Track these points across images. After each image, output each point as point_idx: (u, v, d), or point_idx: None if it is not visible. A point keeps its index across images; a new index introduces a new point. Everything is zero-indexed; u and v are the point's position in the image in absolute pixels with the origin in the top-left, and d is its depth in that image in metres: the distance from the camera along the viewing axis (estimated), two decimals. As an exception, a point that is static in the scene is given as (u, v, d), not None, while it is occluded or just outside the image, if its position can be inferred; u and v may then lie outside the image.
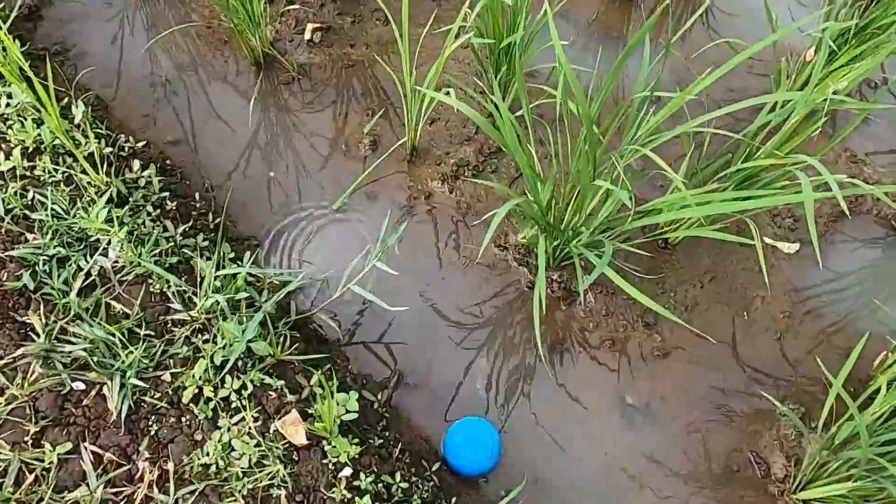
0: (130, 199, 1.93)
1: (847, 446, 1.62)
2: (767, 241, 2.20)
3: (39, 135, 1.95)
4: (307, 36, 2.53)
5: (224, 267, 1.81)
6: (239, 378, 1.62)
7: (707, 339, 2.02)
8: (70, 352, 1.59)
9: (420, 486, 1.66)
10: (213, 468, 1.52)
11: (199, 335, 1.69)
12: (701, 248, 2.19)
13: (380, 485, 1.59)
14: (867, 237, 2.31)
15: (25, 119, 1.99)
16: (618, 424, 1.91)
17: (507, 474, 1.82)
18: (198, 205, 2.11)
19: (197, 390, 1.60)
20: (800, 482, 1.77)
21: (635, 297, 1.59)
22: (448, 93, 1.72)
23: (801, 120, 1.61)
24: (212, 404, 1.59)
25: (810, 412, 1.94)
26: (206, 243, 1.93)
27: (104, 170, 1.93)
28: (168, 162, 2.20)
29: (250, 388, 1.62)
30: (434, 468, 1.74)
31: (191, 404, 1.59)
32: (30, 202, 1.84)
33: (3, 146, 1.94)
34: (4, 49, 1.86)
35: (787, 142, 1.68)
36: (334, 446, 1.55)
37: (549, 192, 1.65)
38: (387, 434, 1.77)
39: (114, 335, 1.61)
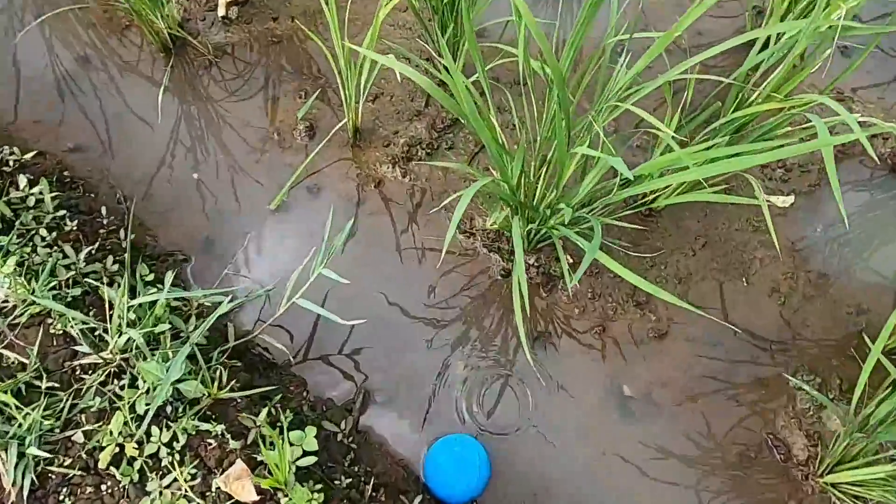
0: (17, 222, 1.60)
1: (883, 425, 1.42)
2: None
3: None
4: (221, 12, 2.19)
5: (139, 294, 1.51)
6: (168, 428, 1.34)
7: (705, 312, 1.81)
8: (-50, 422, 1.29)
9: (401, 527, 1.41)
10: (146, 544, 1.24)
11: (115, 380, 1.40)
12: (688, 212, 1.97)
13: (353, 535, 1.34)
14: (857, 179, 2.13)
15: None
16: (618, 419, 1.69)
17: (500, 494, 1.59)
18: (105, 221, 1.79)
19: (117, 449, 1.31)
20: (827, 465, 1.58)
21: (627, 278, 1.35)
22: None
23: (799, 55, 1.38)
24: (137, 465, 1.31)
25: (827, 382, 1.75)
26: (116, 267, 1.62)
27: (-19, 191, 1.61)
28: (66, 173, 1.86)
29: (183, 438, 1.33)
30: (416, 502, 1.49)
31: (111, 468, 1.31)
32: None
33: None
34: None
35: (785, 82, 1.45)
36: (291, 499, 1.28)
37: (518, 167, 1.39)
38: (356, 469, 1.50)
39: (5, 393, 1.31)
